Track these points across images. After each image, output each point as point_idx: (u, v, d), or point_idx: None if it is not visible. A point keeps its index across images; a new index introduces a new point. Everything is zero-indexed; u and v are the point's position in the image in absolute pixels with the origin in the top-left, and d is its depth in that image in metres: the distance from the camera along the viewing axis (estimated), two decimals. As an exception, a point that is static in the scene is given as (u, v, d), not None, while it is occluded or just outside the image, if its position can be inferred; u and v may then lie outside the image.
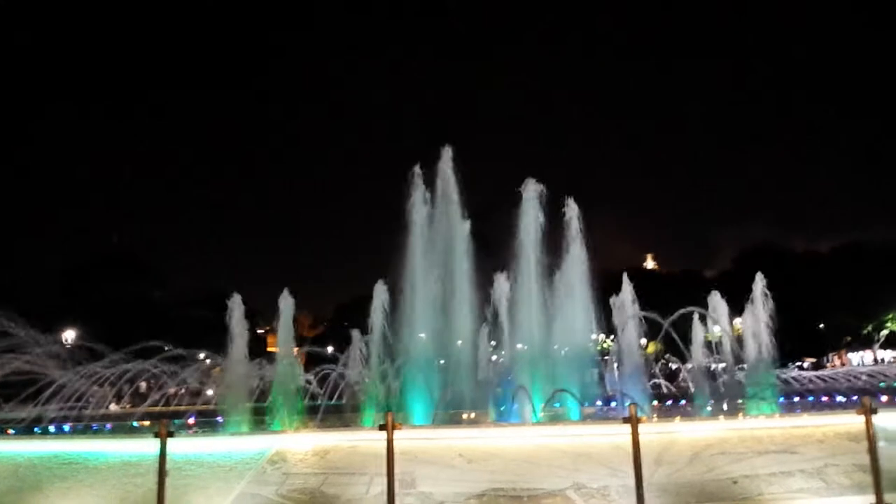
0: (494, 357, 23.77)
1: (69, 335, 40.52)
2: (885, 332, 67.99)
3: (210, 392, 26.31)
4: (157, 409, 24.82)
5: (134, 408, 24.01)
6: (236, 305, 20.71)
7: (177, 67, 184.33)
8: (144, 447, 11.28)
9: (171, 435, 9.71)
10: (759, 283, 21.95)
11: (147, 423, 21.14)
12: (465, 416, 19.92)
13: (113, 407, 24.79)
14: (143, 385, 25.21)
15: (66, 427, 20.09)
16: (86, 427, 20.12)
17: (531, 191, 22.61)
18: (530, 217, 22.46)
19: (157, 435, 9.67)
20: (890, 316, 66.80)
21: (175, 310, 65.56)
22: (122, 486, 10.94)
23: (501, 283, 22.27)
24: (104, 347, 23.35)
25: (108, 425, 20.95)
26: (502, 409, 20.14)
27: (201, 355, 28.60)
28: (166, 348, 25.29)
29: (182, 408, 26.43)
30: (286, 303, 20.99)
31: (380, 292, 22.12)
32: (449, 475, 10.72)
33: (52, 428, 19.78)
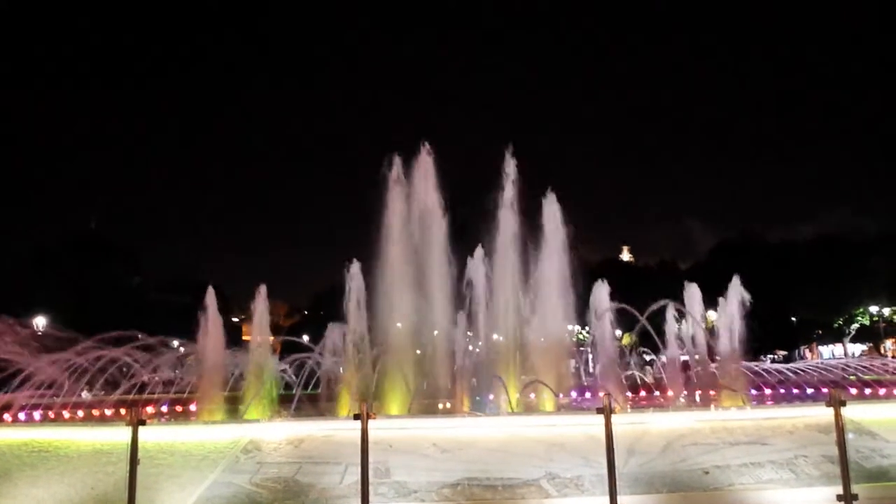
0: (471, 348, 23.75)
1: (40, 321, 39.86)
2: (855, 326, 68.86)
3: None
4: (130, 397, 24.53)
5: (106, 396, 23.65)
6: (210, 296, 20.75)
7: (152, 48, 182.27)
8: (116, 435, 11.16)
9: (142, 423, 9.58)
10: (734, 277, 22.26)
11: (121, 411, 20.91)
12: (440, 405, 19.93)
13: (85, 395, 24.45)
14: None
15: (37, 415, 19.82)
16: (56, 415, 19.86)
17: (510, 177, 22.60)
18: (508, 206, 22.48)
19: (128, 423, 9.55)
20: (860, 310, 67.64)
21: (150, 295, 64.91)
22: (92, 475, 10.82)
23: (479, 269, 22.19)
24: (76, 334, 23.03)
25: (80, 413, 20.70)
26: (477, 399, 20.19)
27: (175, 343, 28.31)
28: (139, 336, 24.99)
29: (155, 396, 26.15)
30: (261, 295, 21.56)
31: (354, 274, 21.64)
32: (423, 465, 10.74)
33: (21, 415, 19.49)
